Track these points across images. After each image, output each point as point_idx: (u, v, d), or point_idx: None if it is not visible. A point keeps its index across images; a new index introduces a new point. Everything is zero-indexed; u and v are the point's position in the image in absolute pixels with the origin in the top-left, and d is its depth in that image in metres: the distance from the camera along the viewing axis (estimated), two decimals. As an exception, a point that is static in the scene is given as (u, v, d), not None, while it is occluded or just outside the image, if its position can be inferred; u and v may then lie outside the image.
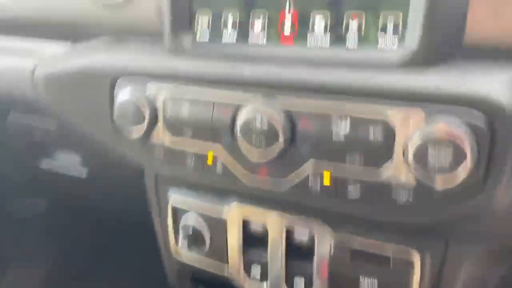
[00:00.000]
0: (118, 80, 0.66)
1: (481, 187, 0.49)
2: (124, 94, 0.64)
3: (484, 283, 0.64)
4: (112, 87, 0.67)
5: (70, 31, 0.77)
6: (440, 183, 0.48)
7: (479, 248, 0.59)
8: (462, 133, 0.46)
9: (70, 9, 0.76)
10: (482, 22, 0.50)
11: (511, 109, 0.46)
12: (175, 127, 0.63)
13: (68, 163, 0.91)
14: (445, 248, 0.58)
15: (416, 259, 0.58)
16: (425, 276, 0.59)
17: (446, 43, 0.51)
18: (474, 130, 0.47)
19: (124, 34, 0.72)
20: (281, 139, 0.54)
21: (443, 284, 0.60)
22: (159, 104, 0.63)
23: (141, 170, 0.78)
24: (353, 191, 0.54)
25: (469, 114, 0.47)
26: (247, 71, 0.57)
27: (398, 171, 0.51)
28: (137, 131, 0.64)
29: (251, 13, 0.59)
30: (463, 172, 0.47)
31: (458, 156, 0.46)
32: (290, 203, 0.62)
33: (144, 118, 0.63)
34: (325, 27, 0.55)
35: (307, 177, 0.56)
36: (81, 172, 0.91)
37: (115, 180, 0.89)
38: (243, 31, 0.60)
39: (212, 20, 0.62)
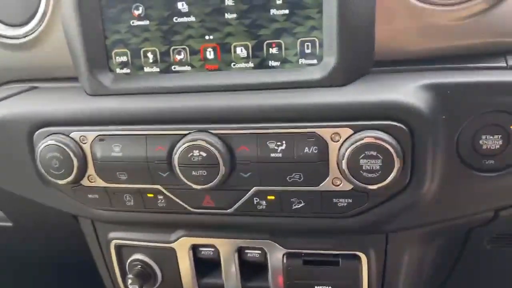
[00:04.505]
0: (37, 131, 0.61)
1: (407, 185, 0.54)
2: (46, 145, 0.60)
3: (421, 265, 0.71)
4: (30, 139, 0.62)
5: None
6: (372, 187, 0.53)
7: (413, 235, 0.65)
8: (387, 142, 0.51)
9: None
10: (388, 38, 0.55)
11: (422, 110, 0.51)
12: (108, 171, 0.61)
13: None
14: (386, 241, 0.64)
15: (363, 258, 0.63)
16: (372, 269, 0.64)
17: (359, 60, 0.55)
18: (396, 138, 0.51)
19: (35, 80, 0.68)
20: (221, 165, 0.55)
21: (388, 272, 0.66)
22: (87, 150, 0.60)
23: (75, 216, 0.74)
24: (297, 204, 0.57)
25: (392, 127, 0.51)
26: (177, 105, 0.57)
27: (336, 183, 0.55)
28: (66, 182, 0.61)
29: (171, 49, 0.59)
30: (391, 174, 0.52)
31: (386, 163, 0.51)
32: (238, 224, 0.63)
33: (72, 167, 0.60)
34: (248, 55, 0.57)
35: (252, 198, 0.58)
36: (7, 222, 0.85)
37: (48, 226, 0.84)
38: (165, 63, 0.60)
39: (131, 56, 0.60)
